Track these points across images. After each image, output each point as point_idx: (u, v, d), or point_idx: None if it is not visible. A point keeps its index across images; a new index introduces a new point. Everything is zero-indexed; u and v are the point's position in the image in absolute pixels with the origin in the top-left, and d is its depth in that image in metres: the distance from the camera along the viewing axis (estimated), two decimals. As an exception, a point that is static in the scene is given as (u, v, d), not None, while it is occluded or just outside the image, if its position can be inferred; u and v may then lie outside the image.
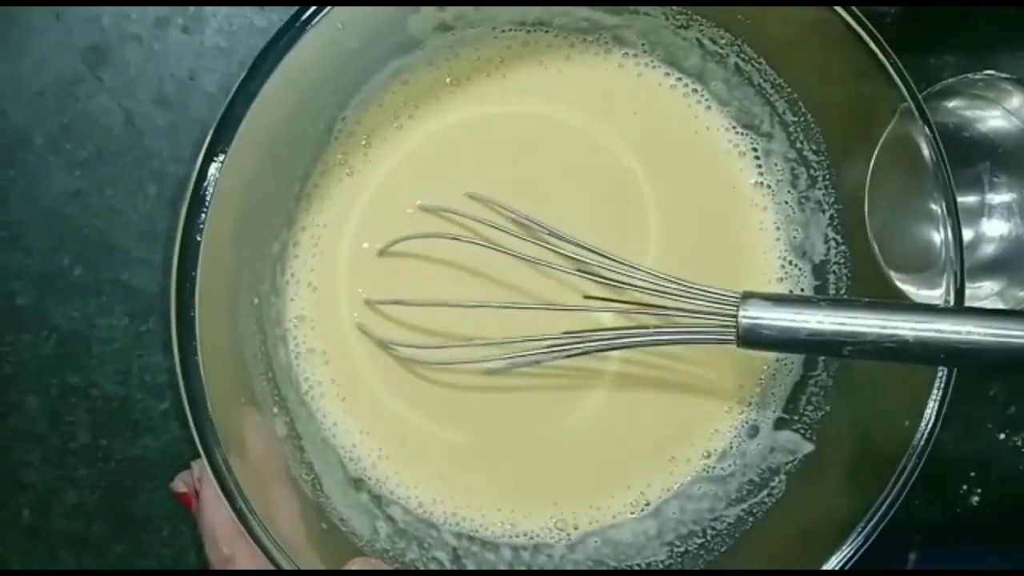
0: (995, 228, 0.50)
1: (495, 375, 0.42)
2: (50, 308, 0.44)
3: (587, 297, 0.39)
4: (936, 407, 0.36)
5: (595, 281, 0.39)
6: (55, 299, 0.44)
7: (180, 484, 0.37)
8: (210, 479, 0.32)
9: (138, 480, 0.45)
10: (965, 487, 0.52)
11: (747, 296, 0.34)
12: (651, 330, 0.37)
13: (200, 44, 0.44)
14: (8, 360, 0.44)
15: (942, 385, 0.36)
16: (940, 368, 0.36)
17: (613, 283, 0.38)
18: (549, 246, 0.40)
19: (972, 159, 0.48)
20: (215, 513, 0.33)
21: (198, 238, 0.31)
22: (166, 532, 0.45)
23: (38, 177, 0.44)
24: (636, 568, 0.41)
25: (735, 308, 0.34)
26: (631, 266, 0.37)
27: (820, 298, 0.35)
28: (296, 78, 0.35)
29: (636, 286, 0.37)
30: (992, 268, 0.50)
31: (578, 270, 0.40)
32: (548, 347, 0.38)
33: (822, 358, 0.42)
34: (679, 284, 0.36)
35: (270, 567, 0.32)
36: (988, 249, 0.50)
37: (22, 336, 0.44)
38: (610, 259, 0.38)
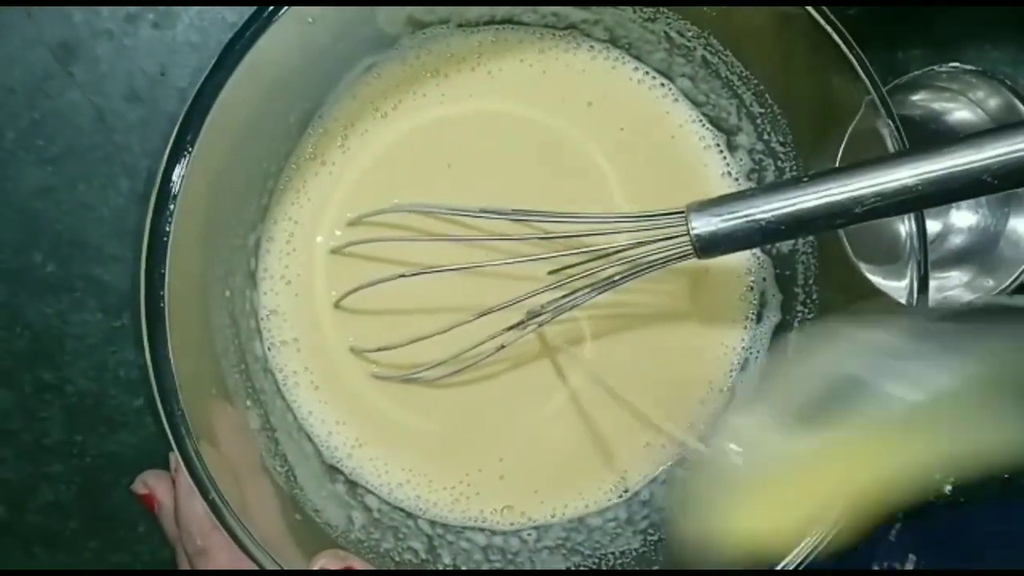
0: (963, 219, 0.50)
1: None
2: (23, 304, 0.44)
3: (551, 272, 0.38)
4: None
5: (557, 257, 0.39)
6: (28, 295, 0.44)
7: (140, 486, 0.37)
8: (183, 470, 0.32)
9: (113, 476, 0.45)
10: (937, 476, 0.53)
11: (691, 208, 0.33)
12: (613, 273, 0.36)
13: (171, 39, 0.44)
14: (-20, 357, 0.44)
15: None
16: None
17: (570, 243, 0.38)
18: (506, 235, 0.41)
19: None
20: (189, 504, 0.33)
21: (167, 228, 0.31)
22: (142, 528, 0.45)
23: (9, 173, 0.44)
24: (610, 554, 0.41)
25: (684, 222, 0.33)
26: (577, 218, 0.37)
27: (762, 188, 0.34)
28: (266, 72, 0.35)
29: (590, 234, 0.37)
30: (961, 258, 0.50)
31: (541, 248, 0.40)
32: (519, 324, 0.39)
33: (792, 347, 0.43)
34: (622, 218, 0.36)
35: (244, 558, 0.32)
36: (956, 240, 0.51)
37: (-6, 333, 0.44)
38: (561, 220, 0.38)
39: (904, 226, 0.39)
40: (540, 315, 0.38)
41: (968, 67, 0.46)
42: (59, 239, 0.44)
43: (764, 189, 0.33)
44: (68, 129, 0.44)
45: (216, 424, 0.35)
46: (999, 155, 0.29)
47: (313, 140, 0.42)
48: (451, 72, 0.43)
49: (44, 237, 0.44)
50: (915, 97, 0.48)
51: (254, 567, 0.32)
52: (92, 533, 0.45)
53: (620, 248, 0.35)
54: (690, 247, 0.33)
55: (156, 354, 0.32)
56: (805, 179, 0.32)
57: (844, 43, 0.36)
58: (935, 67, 0.46)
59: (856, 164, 0.31)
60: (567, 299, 0.37)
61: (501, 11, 0.42)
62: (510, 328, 0.38)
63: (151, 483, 0.36)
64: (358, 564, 0.34)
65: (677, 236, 0.34)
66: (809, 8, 0.36)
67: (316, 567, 0.33)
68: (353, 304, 0.41)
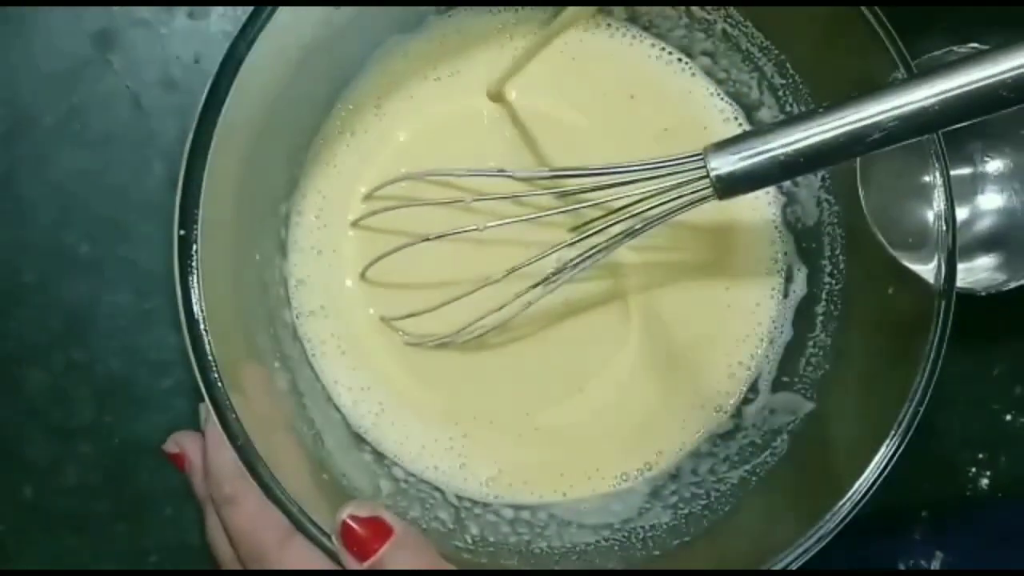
0: (990, 202, 0.50)
1: (502, 341, 0.43)
2: (56, 284, 0.45)
3: (572, 229, 0.39)
4: (935, 349, 0.36)
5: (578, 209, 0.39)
6: (61, 275, 0.45)
7: (172, 445, 0.37)
8: (213, 418, 0.32)
9: (141, 458, 0.45)
10: (974, 469, 0.52)
11: (709, 149, 0.33)
12: (636, 222, 0.36)
13: (206, 29, 0.46)
14: (13, 336, 0.45)
15: (938, 327, 0.36)
16: (936, 313, 0.37)
17: (588, 196, 0.38)
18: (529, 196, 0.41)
19: (961, 133, 0.49)
20: (218, 453, 0.33)
21: (202, 175, 0.32)
22: (168, 511, 0.45)
23: (47, 156, 0.45)
24: (640, 528, 0.41)
25: (702, 165, 0.33)
26: (594, 170, 0.37)
27: (778, 122, 0.33)
28: (292, 43, 0.36)
29: (607, 186, 0.37)
30: (990, 242, 0.50)
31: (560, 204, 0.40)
32: (544, 280, 0.39)
33: (820, 317, 0.42)
34: (640, 166, 0.35)
35: (271, 506, 0.32)
36: (985, 223, 0.50)
37: (27, 312, 0.45)
38: (577, 174, 0.38)
39: (931, 210, 0.39)
40: (565, 270, 0.38)
41: (988, 47, 0.46)
42: (94, 221, 0.45)
43: (780, 123, 0.33)
44: (105, 114, 0.45)
45: (246, 381, 0.35)
46: (1014, 68, 0.29)
47: (342, 115, 0.42)
48: (477, 53, 0.44)
49: (79, 218, 0.45)
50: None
51: (281, 515, 0.32)
52: (119, 516, 0.45)
53: (640, 196, 0.35)
54: (711, 189, 0.33)
55: (187, 299, 0.32)
56: (820, 109, 0.32)
57: (872, 16, 0.37)
58: (954, 48, 0.47)
59: (871, 91, 0.31)
60: (593, 251, 0.37)
61: (525, -9, 0.43)
62: (536, 285, 0.38)
63: (182, 442, 0.36)
64: (387, 515, 0.33)
65: (696, 179, 0.34)
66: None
67: (344, 515, 0.32)
68: (379, 275, 0.42)
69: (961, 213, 0.51)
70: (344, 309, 0.42)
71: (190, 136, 0.33)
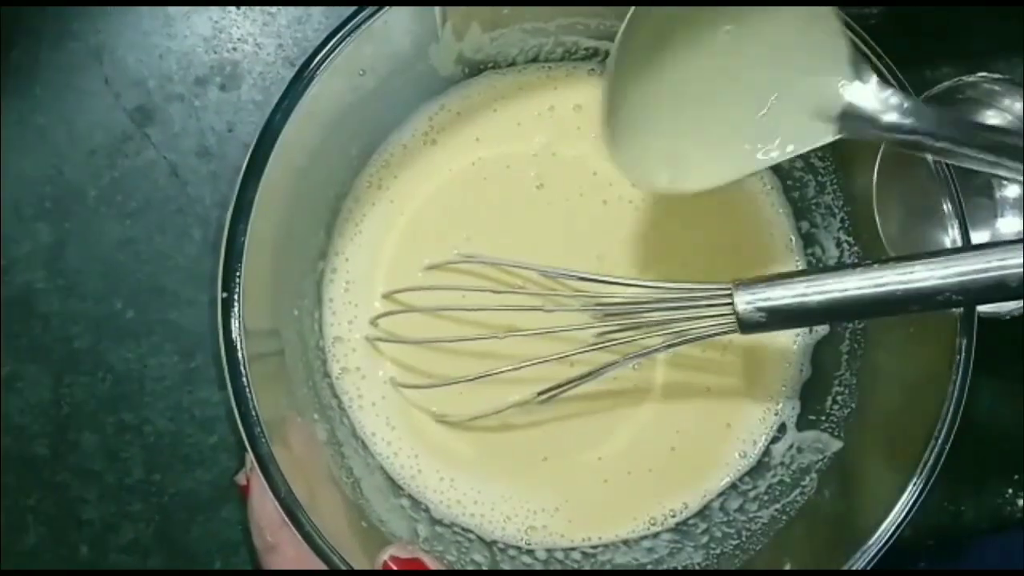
0: (1009, 226, 0.51)
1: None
2: (105, 350, 0.47)
3: (600, 335, 0.39)
4: (959, 382, 0.37)
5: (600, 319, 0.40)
6: (110, 341, 0.47)
7: (243, 477, 0.38)
8: (256, 470, 0.34)
9: (190, 513, 0.47)
10: (1010, 491, 0.52)
11: (737, 285, 0.35)
12: (658, 342, 0.38)
13: (237, 99, 0.48)
14: (67, 401, 0.46)
15: (961, 362, 0.37)
16: (959, 346, 0.37)
17: (615, 310, 0.39)
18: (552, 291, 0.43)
19: (977, 161, 0.50)
20: (261, 502, 0.35)
21: (245, 229, 0.34)
22: (218, 564, 0.47)
23: (92, 228, 0.47)
24: (672, 568, 0.41)
25: (729, 298, 0.35)
26: (625, 282, 0.39)
27: (807, 271, 0.35)
28: (321, 114, 0.38)
29: (635, 303, 0.38)
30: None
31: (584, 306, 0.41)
32: (560, 387, 0.40)
33: (844, 356, 0.43)
34: (672, 288, 0.37)
35: (311, 555, 0.33)
36: (1006, 251, 0.51)
37: (80, 378, 0.47)
38: (608, 282, 0.39)
39: (947, 236, 0.40)
40: (585, 377, 0.39)
41: (996, 76, 0.47)
42: (138, 287, 0.47)
43: (808, 272, 0.35)
44: (145, 185, 0.47)
45: (287, 434, 0.37)
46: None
47: (371, 174, 0.44)
48: (500, 110, 0.45)
49: (124, 285, 0.47)
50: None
51: (321, 564, 0.33)
52: (171, 571, 0.46)
53: (666, 320, 0.37)
54: (734, 323, 0.35)
55: (231, 358, 0.34)
56: (850, 266, 0.34)
57: (874, 55, 0.38)
58: (964, 78, 0.48)
59: (906, 256, 0.34)
60: (609, 367, 0.39)
61: (546, 50, 0.45)
62: (554, 388, 0.40)
63: (251, 475, 0.37)
64: (426, 558, 0.34)
65: (721, 314, 0.35)
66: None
67: (385, 556, 0.34)
68: (412, 335, 0.43)
69: (981, 239, 0.51)
70: (380, 361, 0.43)
71: (231, 204, 0.35)
